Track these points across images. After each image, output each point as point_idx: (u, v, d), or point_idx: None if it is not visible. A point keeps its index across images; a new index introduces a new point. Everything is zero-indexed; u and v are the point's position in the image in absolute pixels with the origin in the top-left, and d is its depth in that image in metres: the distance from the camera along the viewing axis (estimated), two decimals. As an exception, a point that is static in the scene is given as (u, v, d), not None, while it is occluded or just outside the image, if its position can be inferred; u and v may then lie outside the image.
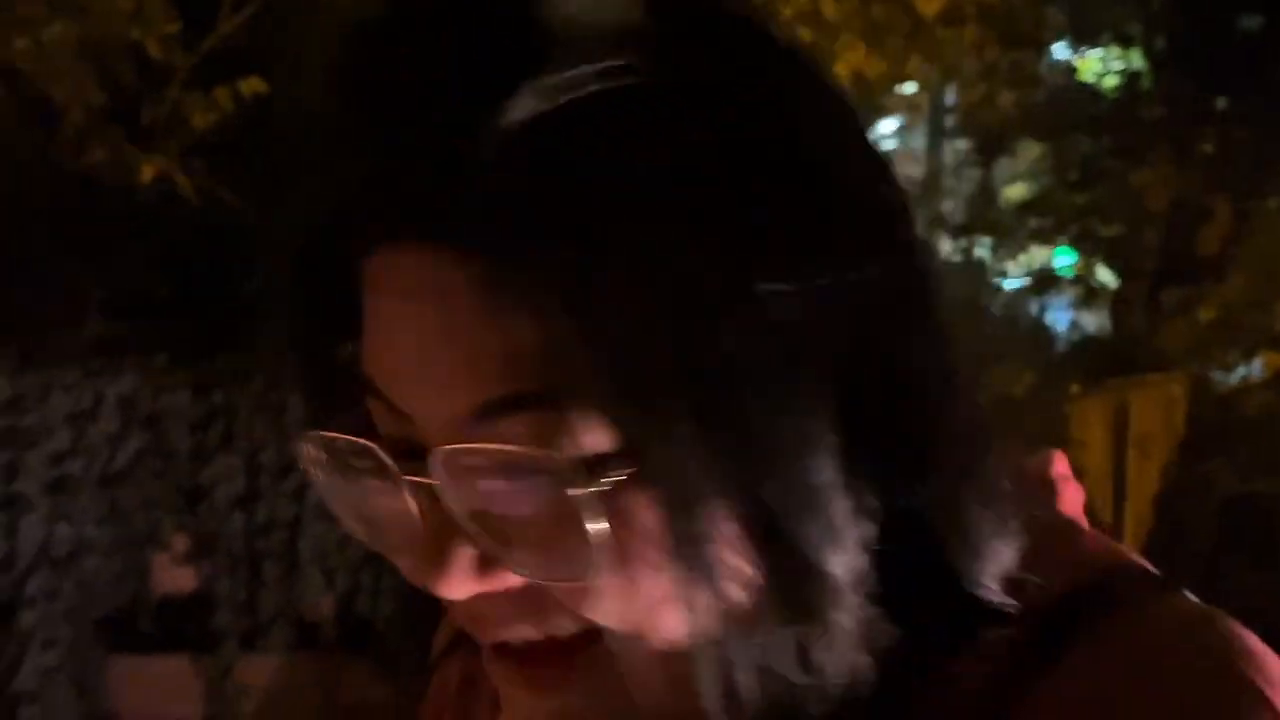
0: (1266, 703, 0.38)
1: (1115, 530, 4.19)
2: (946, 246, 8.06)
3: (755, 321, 0.37)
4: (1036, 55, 7.21)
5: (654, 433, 0.36)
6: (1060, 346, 7.57)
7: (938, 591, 0.40)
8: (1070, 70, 7.86)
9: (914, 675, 0.39)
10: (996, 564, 0.40)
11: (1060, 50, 7.90)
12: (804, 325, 0.37)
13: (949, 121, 8.02)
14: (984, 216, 7.92)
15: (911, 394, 0.39)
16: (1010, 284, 8.12)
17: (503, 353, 0.36)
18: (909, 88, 7.92)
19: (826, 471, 0.37)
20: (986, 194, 8.00)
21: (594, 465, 0.36)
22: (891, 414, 0.39)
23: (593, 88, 0.37)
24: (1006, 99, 7.05)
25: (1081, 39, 7.63)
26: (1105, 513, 4.32)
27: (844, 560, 0.38)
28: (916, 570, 0.39)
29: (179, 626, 3.50)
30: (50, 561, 3.34)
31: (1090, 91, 7.68)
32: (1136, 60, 7.47)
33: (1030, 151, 7.82)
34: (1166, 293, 6.55)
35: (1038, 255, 8.16)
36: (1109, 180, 7.33)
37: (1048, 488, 0.44)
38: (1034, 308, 8.12)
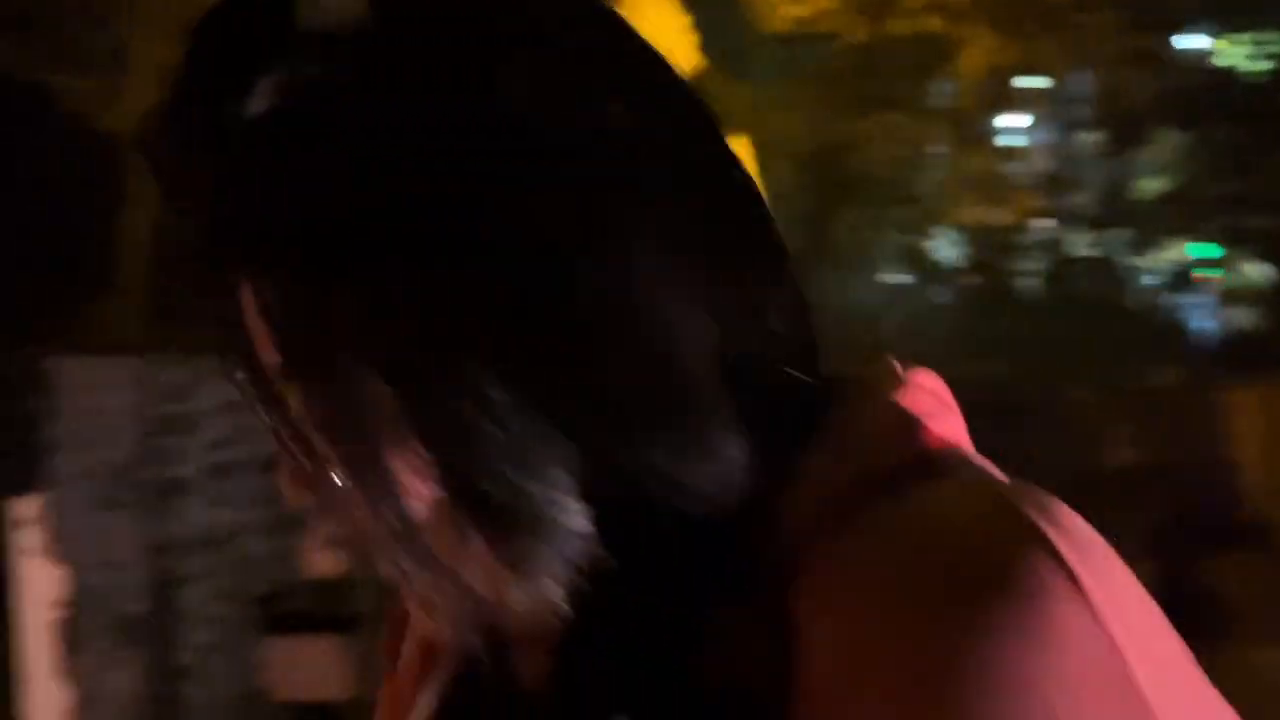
0: (1045, 542, 0.37)
1: (1272, 521, 4.03)
2: (1082, 241, 7.84)
3: (411, 302, 0.40)
4: (1172, 39, 6.96)
5: (329, 403, 0.42)
6: (1207, 341, 7.28)
7: (662, 526, 0.40)
8: (1207, 57, 7.58)
9: (653, 604, 0.40)
10: (710, 485, 0.40)
11: (1197, 39, 7.62)
12: (461, 299, 0.40)
13: (1079, 113, 7.80)
14: (1120, 209, 7.68)
15: (585, 352, 0.40)
16: (1149, 279, 7.85)
17: (255, 337, 0.43)
18: (1038, 82, 7.73)
19: (503, 431, 0.40)
20: (1123, 186, 7.75)
21: (307, 422, 0.43)
22: (571, 371, 0.40)
23: (270, 102, 0.40)
24: (1145, 85, 6.83)
25: (1223, 22, 7.35)
26: (1264, 504, 4.15)
27: (534, 505, 0.40)
28: (634, 508, 0.40)
29: (327, 608, 3.61)
30: (210, 542, 3.49)
31: (1232, 77, 7.39)
32: (1282, 44, 7.16)
33: (1169, 141, 7.56)
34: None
35: (1177, 249, 7.88)
36: (1256, 169, 7.04)
37: (881, 387, 0.43)
38: (1174, 303, 7.84)
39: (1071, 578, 0.36)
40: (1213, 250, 7.76)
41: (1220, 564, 4.10)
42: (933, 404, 0.42)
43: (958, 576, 0.36)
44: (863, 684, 0.37)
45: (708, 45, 5.45)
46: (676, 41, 2.63)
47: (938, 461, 0.40)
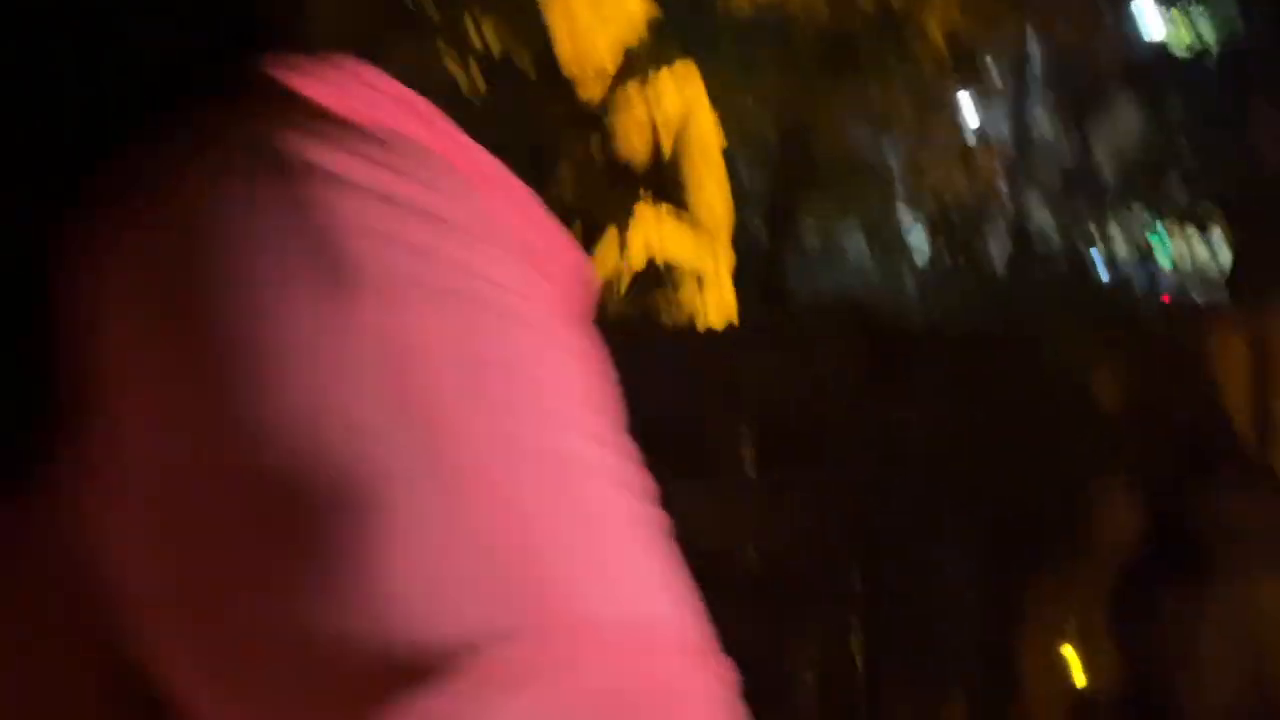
0: (286, 125, 0.35)
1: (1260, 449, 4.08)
2: (1045, 213, 7.91)
3: None
4: (1128, 9, 7.06)
5: None
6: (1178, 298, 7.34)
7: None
8: (1161, 28, 7.70)
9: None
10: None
11: (1151, 10, 7.75)
12: None
13: (1037, 84, 7.89)
14: (1083, 180, 7.76)
15: None
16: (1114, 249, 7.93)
17: None
18: (998, 54, 7.81)
19: None
20: (1085, 157, 7.84)
21: None
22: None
23: None
24: (1104, 55, 6.92)
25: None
26: (1250, 432, 4.20)
27: None
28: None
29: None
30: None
31: (1188, 50, 7.52)
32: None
33: (1129, 113, 7.67)
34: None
35: (1140, 222, 7.98)
36: (1207, 139, 7.15)
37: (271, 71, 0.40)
38: (1139, 272, 7.93)
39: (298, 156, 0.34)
40: (1161, 234, 7.87)
41: (1212, 498, 4.11)
42: (324, 83, 0.39)
43: (189, 164, 0.35)
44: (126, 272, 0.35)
45: (671, 32, 5.44)
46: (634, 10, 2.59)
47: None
